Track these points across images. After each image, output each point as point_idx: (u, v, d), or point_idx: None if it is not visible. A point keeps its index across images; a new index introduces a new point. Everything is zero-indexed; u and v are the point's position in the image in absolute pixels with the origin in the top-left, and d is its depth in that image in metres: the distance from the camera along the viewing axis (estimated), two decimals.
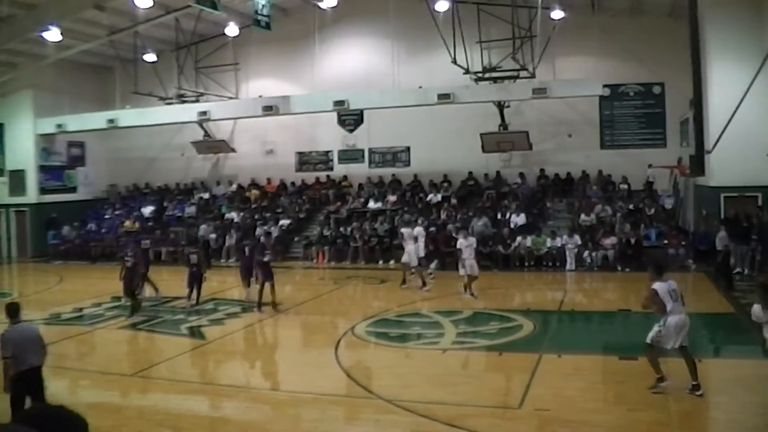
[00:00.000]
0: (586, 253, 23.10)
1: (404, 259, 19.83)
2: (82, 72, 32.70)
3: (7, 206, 32.41)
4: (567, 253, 23.10)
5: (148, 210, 32.21)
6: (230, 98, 30.45)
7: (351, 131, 29.27)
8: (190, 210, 31.43)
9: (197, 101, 29.88)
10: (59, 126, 31.01)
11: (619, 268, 22.41)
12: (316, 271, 24.83)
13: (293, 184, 31.34)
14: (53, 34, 25.19)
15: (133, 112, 29.65)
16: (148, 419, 10.04)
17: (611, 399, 10.06)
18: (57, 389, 12.29)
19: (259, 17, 25.16)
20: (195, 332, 15.48)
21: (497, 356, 12.46)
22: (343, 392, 10.85)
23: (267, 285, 17.26)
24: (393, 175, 29.44)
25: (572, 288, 21.08)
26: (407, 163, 29.63)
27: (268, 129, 30.64)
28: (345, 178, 30.04)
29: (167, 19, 26.83)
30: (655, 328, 9.99)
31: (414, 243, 19.60)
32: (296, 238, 28.29)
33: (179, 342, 14.81)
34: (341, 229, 27.18)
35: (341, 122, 29.12)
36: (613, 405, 9.79)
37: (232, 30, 29.18)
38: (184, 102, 29.74)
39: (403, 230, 20.74)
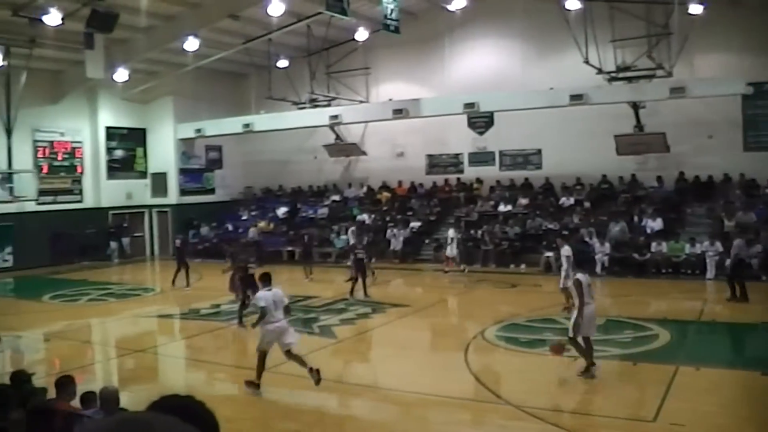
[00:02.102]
0: (727, 261, 22.05)
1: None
2: (219, 79, 34.03)
3: (149, 207, 34.12)
4: (707, 260, 22.08)
5: (281, 211, 33.12)
6: (361, 102, 30.89)
7: (481, 134, 29.15)
8: (323, 211, 32.10)
9: (329, 105, 30.54)
10: (198, 131, 32.47)
11: (764, 277, 21.15)
12: (447, 273, 24.84)
13: (423, 186, 31.49)
14: (191, 44, 26.32)
15: (268, 116, 30.66)
16: (278, 413, 10.37)
17: (751, 417, 9.58)
18: (194, 381, 12.91)
19: (389, 21, 25.42)
20: (326, 331, 15.82)
21: (631, 366, 12.12)
22: (471, 396, 10.84)
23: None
24: (525, 177, 29.07)
25: (712, 297, 20.13)
26: (539, 166, 29.16)
27: (399, 132, 30.87)
28: (478, 180, 29.88)
29: (299, 26, 27.43)
30: (573, 320, 11.07)
31: None
32: (426, 241, 28.41)
33: (311, 340, 15.14)
34: (471, 231, 27.10)
35: (471, 125, 29.04)
36: (752, 423, 9.32)
37: (361, 35, 29.60)
38: (316, 106, 30.45)
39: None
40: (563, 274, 16.50)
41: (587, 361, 11.16)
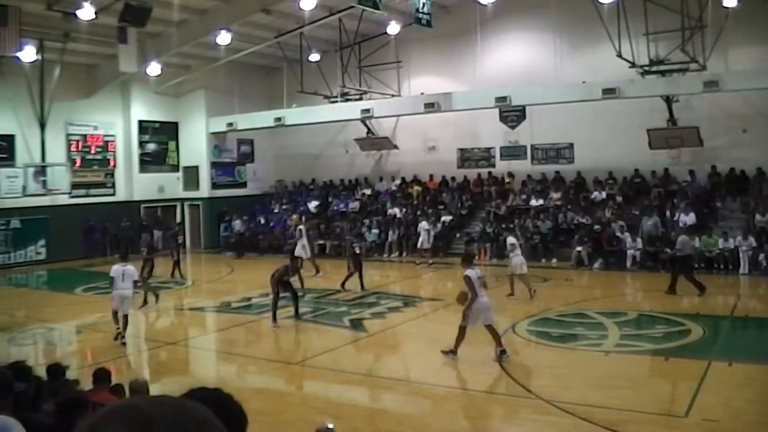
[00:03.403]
0: (761, 256, 21.79)
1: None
2: (251, 73, 34.21)
3: (181, 200, 34.40)
4: (741, 255, 21.84)
5: (313, 205, 33.21)
6: (392, 96, 30.82)
7: (513, 128, 28.94)
8: (354, 205, 32.15)
9: (360, 99, 30.54)
10: (230, 124, 32.65)
11: None
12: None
13: (454, 180, 31.41)
14: (224, 38, 26.48)
15: (299, 110, 30.72)
16: (310, 406, 10.42)
17: None
18: (226, 373, 13.01)
19: (420, 15, 25.37)
20: (357, 324, 15.86)
21: (663, 361, 12.03)
22: (502, 390, 10.83)
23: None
24: (556, 171, 28.86)
25: (746, 293, 19.93)
26: (571, 160, 28.90)
27: (430, 126, 30.82)
28: (510, 174, 29.72)
29: (331, 20, 27.48)
30: (465, 311, 12.16)
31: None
32: (458, 235, 28.35)
33: (341, 334, 15.24)
34: (503, 226, 26.97)
35: (503, 118, 28.84)
36: None
37: (393, 29, 29.59)
38: (347, 100, 30.46)
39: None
40: (513, 261, 18.24)
41: (455, 347, 12.28)
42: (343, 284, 20.18)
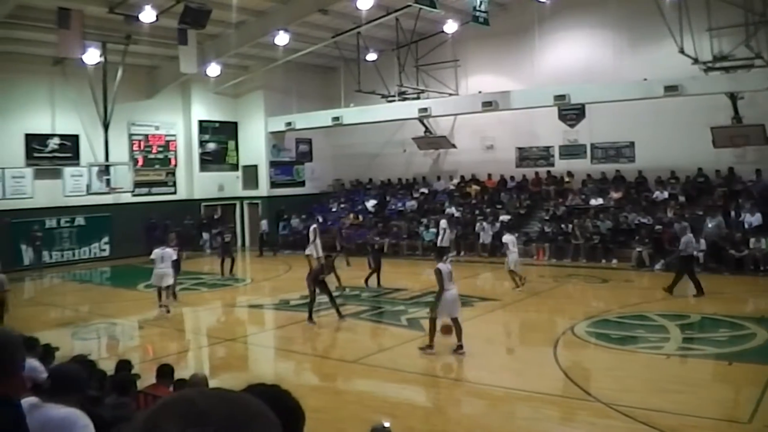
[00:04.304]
0: None
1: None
2: (309, 72, 34.47)
3: (241, 199, 34.79)
4: None
5: (370, 204, 33.29)
6: (450, 95, 30.72)
7: (572, 126, 28.59)
8: (411, 204, 32.13)
9: (418, 98, 30.49)
10: (288, 124, 32.94)
11: None
12: (535, 268, 24.56)
13: (513, 179, 31.17)
14: (282, 38, 26.70)
15: (357, 109, 30.82)
16: (366, 405, 10.41)
17: None
18: (283, 370, 13.10)
19: (477, 13, 25.21)
20: (414, 324, 15.82)
21: (726, 366, 11.71)
22: (560, 392, 10.66)
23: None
24: (617, 170, 28.39)
25: None
26: (631, 159, 28.37)
27: (488, 124, 30.59)
28: (569, 174, 29.36)
29: (388, 19, 27.49)
30: (435, 303, 12.89)
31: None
32: (516, 234, 28.04)
33: (398, 332, 15.22)
34: (562, 226, 26.68)
35: (562, 117, 28.50)
36: None
37: (450, 27, 29.46)
38: (405, 99, 30.44)
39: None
40: (510, 258, 19.90)
41: (431, 341, 12.92)
42: (366, 281, 20.69)
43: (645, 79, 24.16)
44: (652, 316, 15.49)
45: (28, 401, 3.73)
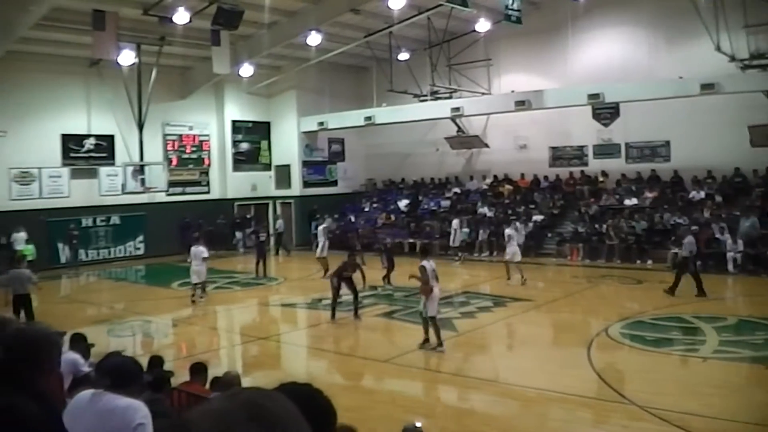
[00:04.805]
0: None
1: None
2: (341, 72, 34.51)
3: (273, 198, 34.96)
4: None
5: (403, 203, 33.27)
6: (483, 94, 30.56)
7: (606, 125, 28.25)
8: (444, 204, 32.05)
9: (450, 98, 30.40)
10: (321, 124, 33.02)
11: None
12: (569, 268, 24.38)
13: (546, 178, 30.97)
14: (314, 38, 26.78)
15: (389, 109, 30.82)
16: (398, 404, 10.41)
17: None
18: (315, 369, 13.14)
19: (510, 12, 25.08)
20: (446, 324, 15.76)
21: (763, 369, 11.54)
22: (593, 394, 10.55)
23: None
24: (652, 170, 28.05)
25: None
26: (667, 158, 28.01)
27: (521, 124, 30.35)
28: (604, 173, 29.08)
29: (419, 18, 27.44)
30: (422, 301, 13.29)
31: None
32: (549, 235, 27.92)
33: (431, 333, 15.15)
34: (596, 226, 26.44)
35: (596, 116, 28.19)
36: None
37: (483, 26, 29.24)
38: (437, 98, 30.38)
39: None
40: (508, 250, 21.32)
41: (425, 336, 13.35)
42: (384, 279, 21.02)
43: (680, 78, 23.83)
44: (687, 318, 15.30)
45: (89, 392, 4.02)
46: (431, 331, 13.25)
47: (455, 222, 27.62)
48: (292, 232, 33.94)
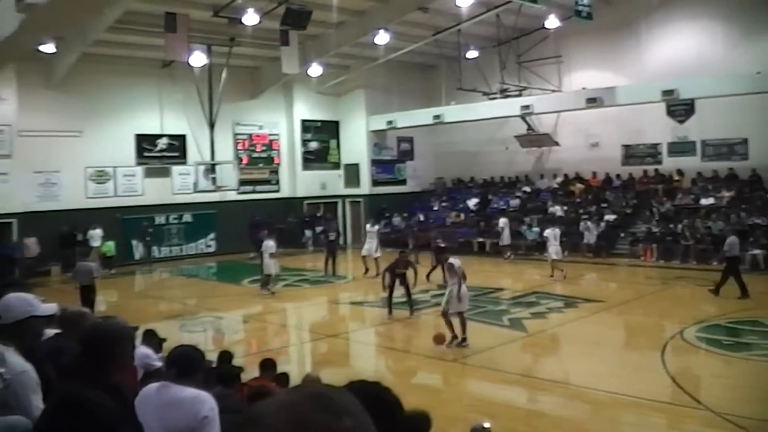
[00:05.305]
0: None
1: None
2: (409, 71, 34.44)
3: (343, 197, 35.13)
4: None
5: (472, 202, 33.07)
6: (553, 91, 30.17)
7: (681, 122, 27.58)
8: (514, 203, 31.74)
9: (520, 95, 30.07)
10: (389, 122, 33.06)
11: None
12: (642, 269, 23.87)
13: (619, 177, 30.37)
14: (382, 37, 26.79)
15: (458, 107, 30.67)
16: (465, 404, 10.36)
17: None
18: (383, 367, 13.15)
19: (580, 8, 24.64)
20: (516, 324, 15.61)
21: None
22: (667, 399, 10.27)
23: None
24: (729, 168, 27.23)
25: None
26: (744, 156, 27.12)
27: (592, 121, 29.80)
28: (679, 172, 28.38)
29: (488, 16, 27.22)
30: (445, 298, 13.32)
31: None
32: (622, 234, 27.39)
33: (500, 332, 15.02)
34: (671, 226, 25.82)
35: (670, 113, 27.55)
36: None
37: (552, 22, 28.78)
38: (506, 96, 30.09)
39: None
40: (552, 249, 21.85)
41: (451, 334, 13.34)
42: (427, 276, 20.89)
43: (758, 73, 23.08)
44: (766, 322, 14.80)
45: (156, 384, 4.13)
46: (455, 325, 13.43)
47: (502, 221, 27.61)
48: (361, 231, 34.03)
